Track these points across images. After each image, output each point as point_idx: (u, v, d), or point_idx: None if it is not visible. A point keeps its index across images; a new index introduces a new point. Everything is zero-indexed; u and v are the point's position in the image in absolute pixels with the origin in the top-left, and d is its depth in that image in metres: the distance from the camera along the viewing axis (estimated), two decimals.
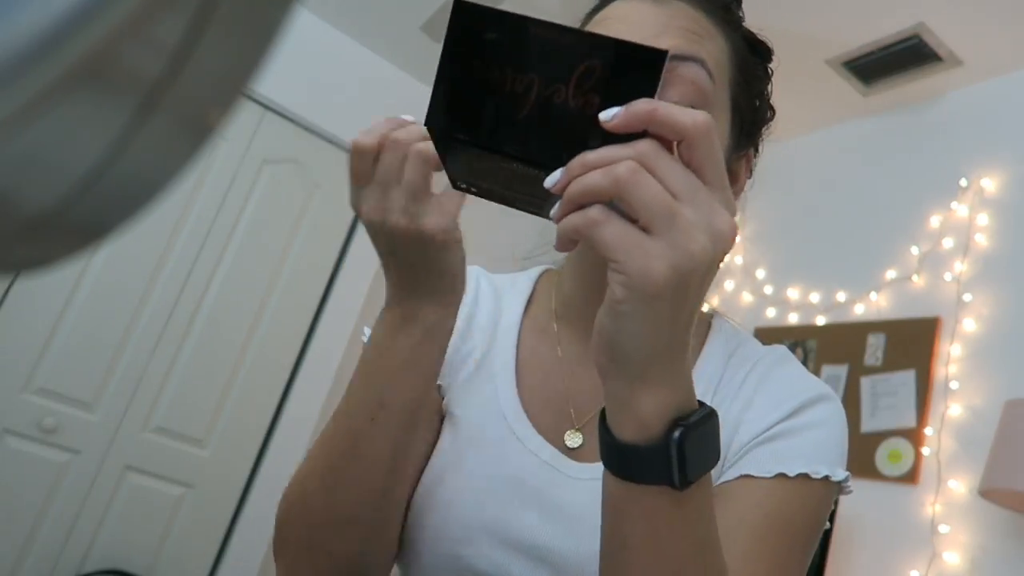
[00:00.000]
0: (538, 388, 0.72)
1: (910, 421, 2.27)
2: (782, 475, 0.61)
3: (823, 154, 2.96)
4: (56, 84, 0.16)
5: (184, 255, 2.87)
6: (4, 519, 2.52)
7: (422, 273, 0.57)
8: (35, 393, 2.61)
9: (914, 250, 2.51)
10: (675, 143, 0.41)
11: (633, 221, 0.40)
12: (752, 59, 0.72)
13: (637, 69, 0.40)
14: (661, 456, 0.43)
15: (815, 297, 2.74)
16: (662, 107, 0.40)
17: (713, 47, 0.65)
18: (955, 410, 2.20)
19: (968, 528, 2.05)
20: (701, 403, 0.46)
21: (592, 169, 0.40)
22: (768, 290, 2.90)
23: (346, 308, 3.16)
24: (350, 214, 3.23)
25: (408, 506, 0.69)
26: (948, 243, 2.42)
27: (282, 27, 0.19)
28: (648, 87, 0.40)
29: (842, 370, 2.51)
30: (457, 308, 0.60)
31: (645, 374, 0.42)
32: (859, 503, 2.23)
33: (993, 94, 2.51)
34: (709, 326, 0.74)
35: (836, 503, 2.16)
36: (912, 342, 2.37)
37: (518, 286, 0.80)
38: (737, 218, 0.47)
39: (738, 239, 3.36)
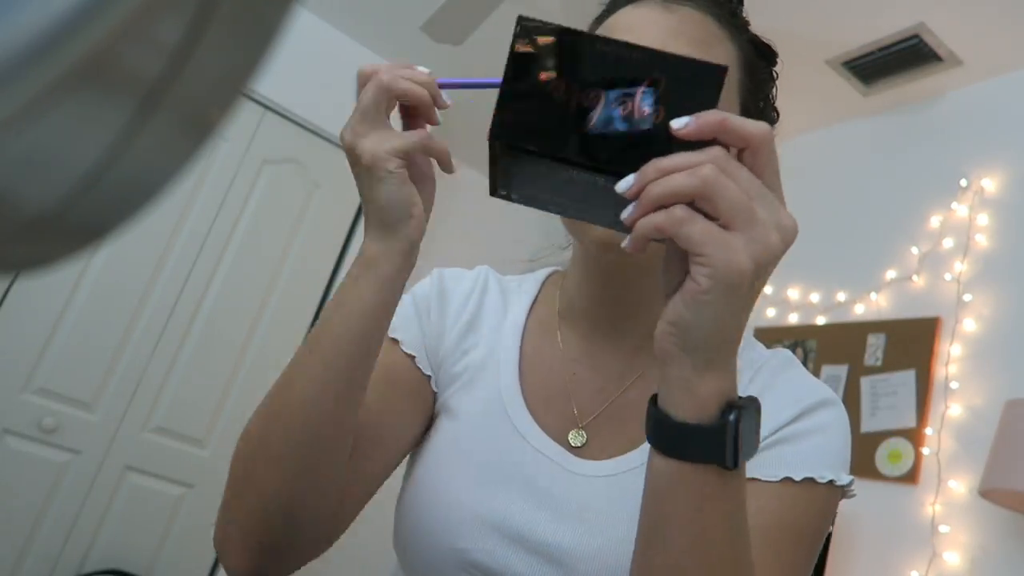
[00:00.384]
0: (541, 386, 0.73)
1: (910, 421, 2.27)
2: (788, 479, 0.62)
3: (823, 154, 2.96)
4: (56, 84, 0.16)
5: (184, 255, 2.87)
6: (4, 519, 2.52)
7: (366, 201, 0.60)
8: (35, 393, 2.61)
9: (914, 250, 2.51)
10: (737, 150, 0.45)
11: (712, 219, 0.43)
12: (759, 63, 0.72)
13: (699, 82, 0.45)
14: (717, 436, 0.46)
15: (815, 297, 2.74)
16: (732, 117, 0.44)
17: (722, 52, 0.66)
18: (955, 410, 2.20)
19: (968, 528, 2.05)
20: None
21: (668, 173, 0.43)
22: (768, 290, 2.90)
23: None
24: (350, 214, 3.23)
25: (407, 499, 0.69)
26: (948, 243, 2.42)
27: (282, 27, 0.19)
28: (710, 99, 0.44)
29: (842, 370, 2.51)
30: (403, 249, 0.60)
31: (711, 360, 0.46)
32: (859, 503, 2.23)
33: (993, 94, 2.51)
34: None
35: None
36: (912, 342, 2.37)
37: (524, 287, 0.81)
38: None
39: None
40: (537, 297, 0.80)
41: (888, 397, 2.35)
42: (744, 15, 0.72)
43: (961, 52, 2.45)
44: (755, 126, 0.44)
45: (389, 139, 0.57)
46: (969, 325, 2.26)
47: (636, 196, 0.44)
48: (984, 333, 2.23)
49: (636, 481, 0.53)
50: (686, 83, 0.45)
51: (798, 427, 0.64)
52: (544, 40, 0.46)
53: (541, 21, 0.46)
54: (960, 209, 2.44)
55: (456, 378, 0.74)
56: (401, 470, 0.75)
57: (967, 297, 2.30)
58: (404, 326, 0.75)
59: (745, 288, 0.43)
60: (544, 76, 0.46)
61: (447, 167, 0.62)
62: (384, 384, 0.71)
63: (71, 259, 0.21)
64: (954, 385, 2.23)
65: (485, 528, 0.65)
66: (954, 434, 2.18)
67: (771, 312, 2.87)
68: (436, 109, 0.60)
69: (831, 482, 0.62)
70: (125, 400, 2.74)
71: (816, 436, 0.64)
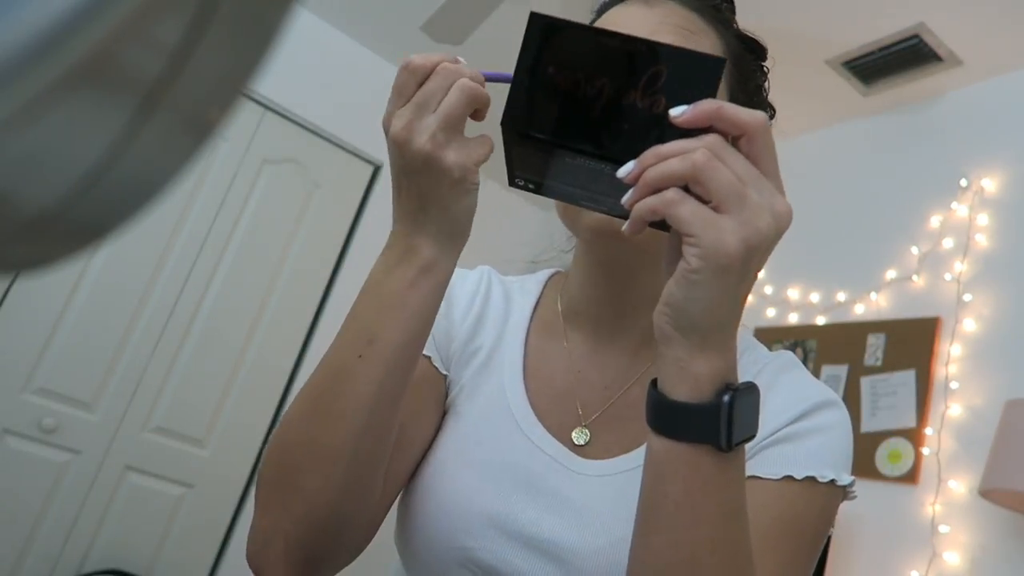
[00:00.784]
0: (545, 385, 0.73)
1: (910, 421, 2.27)
2: (789, 477, 0.62)
3: (823, 154, 2.96)
4: (56, 84, 0.16)
5: (184, 255, 2.87)
6: (4, 519, 2.52)
7: (431, 206, 0.57)
8: (35, 393, 2.61)
9: (914, 250, 2.51)
10: (733, 137, 0.46)
11: (705, 203, 0.44)
12: (747, 56, 0.73)
13: (698, 73, 0.47)
14: (712, 416, 0.47)
15: (815, 297, 2.74)
16: (727, 106, 0.46)
17: (707, 43, 0.68)
18: (955, 410, 2.20)
19: (968, 528, 2.05)
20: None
21: (666, 159, 0.45)
22: (768, 290, 2.90)
23: (346, 308, 3.12)
24: (350, 214, 3.23)
25: (411, 497, 0.69)
26: (948, 243, 2.42)
27: (282, 27, 0.19)
28: (709, 89, 0.47)
29: (842, 370, 2.51)
30: (457, 255, 0.60)
31: (705, 340, 0.47)
32: (859, 503, 2.22)
33: (993, 94, 2.51)
34: None
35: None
36: (912, 342, 2.37)
37: (527, 287, 0.82)
38: None
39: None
40: (540, 297, 0.81)
41: (888, 397, 2.35)
42: (728, 11, 0.73)
43: (961, 52, 2.45)
44: (750, 114, 0.46)
45: (474, 150, 0.56)
46: (969, 325, 2.26)
47: (636, 181, 0.46)
48: (984, 333, 2.23)
49: (638, 480, 0.53)
50: (687, 74, 0.47)
51: (800, 427, 0.65)
52: (552, 33, 0.49)
53: (552, 16, 0.49)
54: (960, 209, 2.44)
55: (463, 377, 0.74)
56: None
57: (967, 297, 2.30)
58: None
59: (736, 269, 0.44)
60: (553, 68, 0.48)
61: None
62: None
63: (71, 259, 0.21)
64: (954, 385, 2.22)
65: (488, 526, 0.65)
66: (954, 434, 2.18)
67: (771, 312, 2.87)
68: None
69: (832, 482, 0.62)
70: (125, 400, 2.74)
71: (818, 436, 0.64)
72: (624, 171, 0.47)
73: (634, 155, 0.47)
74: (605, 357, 0.74)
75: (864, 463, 2.30)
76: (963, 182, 2.46)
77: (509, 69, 0.51)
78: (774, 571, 0.58)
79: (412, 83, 0.54)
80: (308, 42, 3.06)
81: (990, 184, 2.40)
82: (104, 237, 0.20)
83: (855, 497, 0.66)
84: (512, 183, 0.54)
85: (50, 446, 2.61)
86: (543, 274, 0.84)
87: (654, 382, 0.50)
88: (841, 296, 2.66)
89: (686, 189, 0.45)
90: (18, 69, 0.16)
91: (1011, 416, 1.92)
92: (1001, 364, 2.15)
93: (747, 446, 0.64)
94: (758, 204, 0.44)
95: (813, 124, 3.00)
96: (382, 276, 0.59)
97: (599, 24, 0.71)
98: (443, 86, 0.54)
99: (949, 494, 2.12)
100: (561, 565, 0.63)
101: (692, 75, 0.47)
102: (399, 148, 0.55)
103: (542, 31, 0.49)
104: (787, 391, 0.68)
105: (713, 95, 0.46)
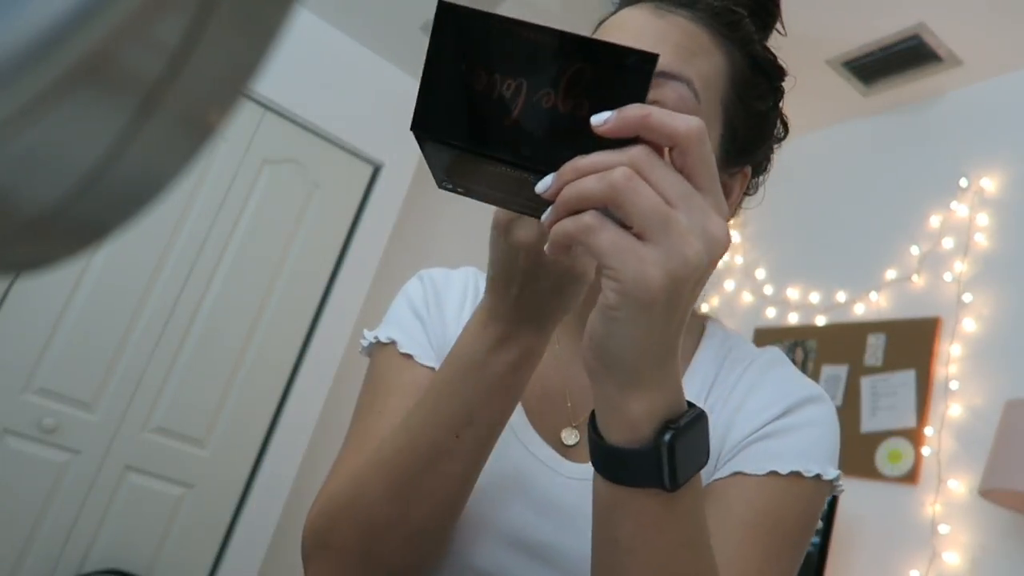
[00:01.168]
0: (536, 385, 0.72)
1: (910, 421, 2.27)
2: (774, 473, 0.61)
3: (823, 154, 2.96)
4: (56, 84, 0.16)
5: (184, 255, 2.87)
6: (4, 519, 2.52)
7: (547, 301, 0.54)
8: (35, 393, 2.61)
9: (914, 250, 2.51)
10: (667, 148, 0.41)
11: (627, 227, 0.39)
12: (753, 77, 0.70)
13: (626, 73, 0.40)
14: (652, 459, 0.43)
15: (815, 297, 2.74)
16: (655, 112, 0.40)
17: (704, 63, 0.64)
18: (955, 410, 2.20)
19: (968, 528, 2.05)
20: (691, 404, 0.46)
21: (585, 175, 0.39)
22: (768, 290, 2.90)
23: (346, 308, 3.16)
24: (350, 214, 3.23)
25: None
26: (948, 243, 2.42)
27: (282, 27, 0.19)
28: (638, 91, 0.40)
29: (842, 370, 2.51)
30: (551, 335, 0.58)
31: (635, 378, 0.42)
32: (859, 503, 2.23)
33: (993, 94, 2.51)
34: (703, 329, 0.75)
35: (835, 503, 2.16)
36: (912, 342, 2.37)
37: None
38: (731, 222, 0.46)
39: (738, 239, 3.34)
40: None
41: (888, 397, 2.35)
42: (749, 26, 0.70)
43: (961, 52, 2.45)
44: (683, 121, 0.40)
45: None
46: (969, 325, 2.26)
47: (555, 198, 0.41)
48: (984, 333, 2.23)
49: None
50: (613, 73, 0.41)
51: (785, 422, 0.64)
52: (464, 26, 0.42)
53: (463, 6, 0.42)
54: (960, 209, 2.44)
55: None
56: None
57: (967, 297, 2.30)
58: (412, 339, 0.73)
59: (660, 305, 0.39)
60: (464, 65, 0.42)
61: None
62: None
63: (71, 259, 0.21)
64: (954, 385, 2.23)
65: (481, 531, 0.65)
66: (954, 434, 2.18)
67: (771, 312, 2.87)
68: None
69: (818, 476, 0.62)
70: (125, 400, 2.74)
71: (803, 431, 0.64)
72: (542, 186, 0.41)
73: (555, 166, 0.41)
74: None
75: (864, 463, 2.30)
76: (963, 182, 2.46)
77: None
78: (760, 566, 0.58)
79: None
80: (308, 42, 3.06)
81: (990, 184, 2.40)
82: (104, 237, 0.20)
83: (842, 490, 0.66)
84: (440, 186, 0.48)
85: (50, 446, 2.61)
86: None
87: (594, 421, 0.46)
88: (841, 296, 2.66)
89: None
90: (18, 69, 0.16)
91: (1011, 416, 1.92)
92: (1001, 364, 2.16)
93: (734, 443, 0.64)
94: (687, 229, 0.39)
95: (813, 124, 3.00)
96: (484, 358, 0.56)
97: (607, 24, 0.68)
98: None
99: (949, 494, 2.12)
100: (555, 569, 0.63)
101: (620, 74, 0.40)
102: (523, 253, 0.50)
103: (453, 23, 0.42)
104: (773, 387, 0.67)
105: (642, 99, 0.40)
